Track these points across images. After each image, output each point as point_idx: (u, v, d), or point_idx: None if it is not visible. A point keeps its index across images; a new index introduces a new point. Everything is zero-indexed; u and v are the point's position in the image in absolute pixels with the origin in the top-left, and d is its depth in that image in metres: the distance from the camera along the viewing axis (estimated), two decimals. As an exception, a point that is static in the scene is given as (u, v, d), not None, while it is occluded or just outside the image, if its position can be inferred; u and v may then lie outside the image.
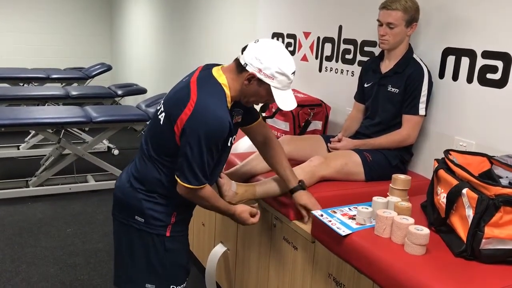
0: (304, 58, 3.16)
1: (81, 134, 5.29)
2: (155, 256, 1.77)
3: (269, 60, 1.58)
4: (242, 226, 2.37)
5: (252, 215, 1.85)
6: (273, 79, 1.60)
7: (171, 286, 1.84)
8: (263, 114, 2.82)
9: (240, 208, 1.83)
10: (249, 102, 1.72)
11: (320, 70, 3.04)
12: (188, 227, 1.91)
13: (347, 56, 2.81)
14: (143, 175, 1.74)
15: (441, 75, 2.21)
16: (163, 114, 1.67)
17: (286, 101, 1.68)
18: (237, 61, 1.65)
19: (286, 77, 1.63)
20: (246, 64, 1.60)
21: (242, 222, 1.84)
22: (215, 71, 1.68)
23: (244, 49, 1.64)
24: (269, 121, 2.78)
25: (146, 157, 1.74)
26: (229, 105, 1.64)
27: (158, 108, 1.73)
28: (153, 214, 1.73)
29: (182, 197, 1.71)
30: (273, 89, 1.62)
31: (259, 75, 1.59)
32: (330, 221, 1.66)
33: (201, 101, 1.57)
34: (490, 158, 1.68)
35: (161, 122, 1.66)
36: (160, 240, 1.76)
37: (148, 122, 1.63)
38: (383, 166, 2.19)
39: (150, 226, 1.74)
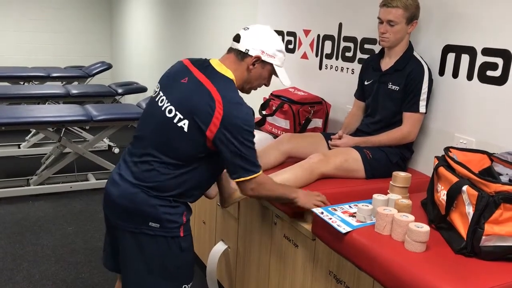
0: (304, 56, 3.16)
1: (81, 132, 5.30)
2: (170, 259, 1.75)
3: (267, 41, 1.72)
4: (242, 224, 2.37)
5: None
6: (274, 57, 1.73)
7: (184, 286, 1.82)
8: (263, 112, 2.82)
9: (300, 191, 1.85)
10: (252, 88, 1.80)
11: (320, 68, 3.04)
12: None
13: (347, 54, 2.81)
14: (159, 182, 1.68)
15: (441, 72, 2.21)
16: (186, 121, 1.63)
17: (286, 77, 1.80)
18: (235, 51, 1.72)
19: (283, 53, 1.77)
20: (248, 50, 1.69)
21: (307, 201, 1.83)
22: (218, 67, 1.71)
23: (237, 38, 1.71)
24: (269, 119, 2.79)
25: (158, 164, 1.68)
26: None
27: (171, 115, 1.66)
28: (168, 217, 1.70)
29: (194, 194, 1.75)
30: (276, 68, 1.75)
31: (263, 57, 1.70)
32: (330, 218, 1.66)
33: (227, 99, 1.62)
34: (490, 155, 1.68)
35: (186, 130, 1.63)
36: (175, 242, 1.73)
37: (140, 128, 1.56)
38: (383, 164, 2.19)
39: (165, 230, 1.71)
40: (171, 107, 1.67)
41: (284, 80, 1.78)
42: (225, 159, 1.64)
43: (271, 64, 1.73)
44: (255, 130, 2.77)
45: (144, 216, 1.69)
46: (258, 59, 1.70)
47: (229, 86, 1.67)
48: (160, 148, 1.68)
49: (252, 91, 1.84)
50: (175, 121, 1.65)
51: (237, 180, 1.67)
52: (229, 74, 1.69)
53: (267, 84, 1.82)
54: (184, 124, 1.64)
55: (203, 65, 1.73)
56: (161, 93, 1.74)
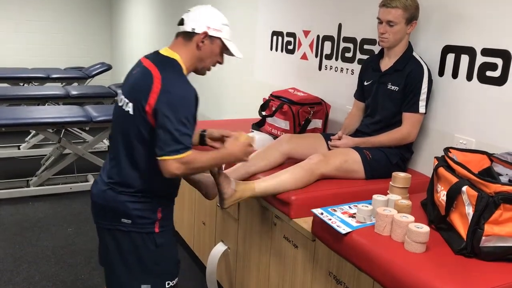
0: (304, 57, 3.16)
1: (81, 133, 5.29)
2: (147, 255, 1.78)
3: (210, 17, 1.76)
4: (242, 225, 2.37)
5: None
6: (221, 31, 1.77)
7: (167, 282, 1.85)
8: (263, 113, 2.82)
9: (230, 144, 1.82)
10: (205, 67, 1.82)
11: (320, 69, 3.04)
12: (173, 219, 1.91)
13: (346, 54, 2.81)
14: (122, 177, 1.74)
15: (441, 72, 2.21)
16: (131, 104, 1.69)
17: (237, 50, 1.83)
18: (182, 33, 1.77)
19: (228, 27, 1.80)
20: (194, 28, 1.73)
21: (244, 152, 1.82)
22: (164, 51, 1.77)
23: (181, 22, 1.77)
24: (269, 119, 2.78)
25: (120, 158, 1.74)
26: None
27: (121, 104, 1.75)
28: (139, 213, 1.74)
29: (164, 190, 1.76)
30: (225, 41, 1.78)
31: (210, 32, 1.74)
32: (330, 219, 1.67)
33: (166, 75, 1.65)
34: (490, 156, 1.69)
35: (131, 112, 1.69)
36: (150, 238, 1.76)
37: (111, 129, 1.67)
38: (383, 164, 2.19)
39: (138, 226, 1.74)
40: (124, 98, 1.74)
41: (235, 52, 1.81)
42: (157, 133, 1.63)
43: (220, 39, 1.77)
44: (254, 130, 2.79)
45: (116, 212, 1.75)
46: (205, 34, 1.73)
47: (170, 64, 1.71)
48: (123, 143, 1.74)
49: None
50: (125, 108, 1.72)
51: (162, 158, 1.61)
52: (174, 55, 1.74)
53: (220, 62, 1.85)
54: (130, 107, 1.69)
55: (153, 54, 1.79)
56: (119, 92, 1.82)
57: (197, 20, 1.74)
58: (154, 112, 1.62)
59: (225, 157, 1.80)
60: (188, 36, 1.74)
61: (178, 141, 1.60)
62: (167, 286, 1.85)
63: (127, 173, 1.73)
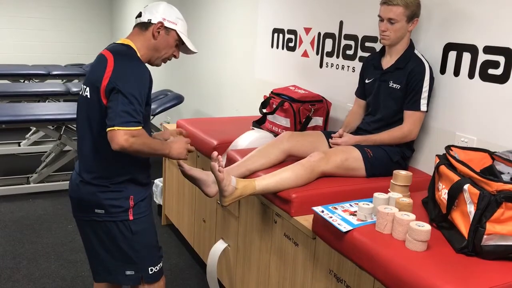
0: (305, 54, 3.15)
1: (81, 130, 5.29)
2: (125, 242, 1.82)
3: (166, 10, 1.85)
4: (243, 223, 2.37)
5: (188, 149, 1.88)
6: (176, 24, 1.85)
7: (149, 268, 1.89)
8: (264, 111, 2.82)
9: (173, 140, 1.88)
10: (160, 58, 1.87)
11: (321, 66, 3.03)
12: (151, 206, 1.93)
13: (348, 52, 2.80)
14: (89, 166, 1.79)
15: (443, 70, 2.20)
16: (88, 88, 1.75)
17: (192, 45, 1.92)
18: (138, 24, 1.85)
19: (184, 22, 1.89)
20: (150, 19, 1.82)
21: (183, 148, 1.85)
22: (119, 41, 1.84)
23: (139, 15, 1.87)
24: (269, 117, 2.78)
25: (86, 148, 1.79)
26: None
27: (81, 93, 1.81)
28: (111, 202, 1.78)
29: (130, 175, 1.78)
30: (180, 34, 1.86)
31: (165, 23, 1.82)
32: (331, 217, 1.66)
33: (118, 57, 1.72)
34: (492, 154, 1.68)
35: (89, 96, 1.74)
36: (125, 225, 1.81)
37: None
38: (384, 162, 2.19)
39: (112, 215, 1.79)
40: (83, 86, 1.81)
41: (191, 46, 1.90)
42: (108, 106, 1.65)
43: (175, 32, 1.84)
44: (255, 128, 2.79)
45: (89, 204, 1.80)
46: (161, 25, 1.81)
47: (124, 49, 1.78)
48: (87, 130, 1.78)
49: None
50: (84, 94, 1.78)
51: (112, 128, 1.60)
52: (127, 42, 1.81)
53: (176, 55, 1.92)
54: (87, 91, 1.75)
55: (109, 45, 1.85)
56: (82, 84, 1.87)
57: (154, 12, 1.83)
58: (108, 91, 1.66)
59: (166, 148, 1.80)
60: (144, 26, 1.83)
61: (130, 114, 1.63)
62: (150, 272, 1.90)
63: (92, 161, 1.78)
